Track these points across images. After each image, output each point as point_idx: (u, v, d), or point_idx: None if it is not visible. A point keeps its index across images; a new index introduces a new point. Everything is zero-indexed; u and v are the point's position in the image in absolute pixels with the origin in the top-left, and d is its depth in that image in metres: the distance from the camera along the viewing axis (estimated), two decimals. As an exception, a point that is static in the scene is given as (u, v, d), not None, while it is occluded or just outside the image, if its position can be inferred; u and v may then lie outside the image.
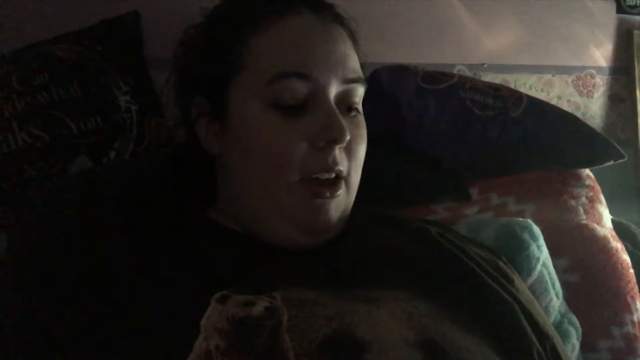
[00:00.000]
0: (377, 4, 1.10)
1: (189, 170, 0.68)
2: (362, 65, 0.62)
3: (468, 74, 1.14)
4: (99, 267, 0.51)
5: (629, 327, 0.76)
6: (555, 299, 0.73)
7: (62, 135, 0.77)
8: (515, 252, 0.71)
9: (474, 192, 0.89)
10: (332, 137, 0.54)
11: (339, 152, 0.56)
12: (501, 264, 0.64)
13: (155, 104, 0.88)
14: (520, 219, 0.77)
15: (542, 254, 0.73)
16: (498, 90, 0.92)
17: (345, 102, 0.58)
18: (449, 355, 0.46)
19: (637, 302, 0.78)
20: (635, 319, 0.77)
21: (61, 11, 0.92)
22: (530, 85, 1.22)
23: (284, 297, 0.44)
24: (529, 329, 0.54)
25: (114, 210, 0.62)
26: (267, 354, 0.37)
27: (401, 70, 0.93)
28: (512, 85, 1.18)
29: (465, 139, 0.90)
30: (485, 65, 1.18)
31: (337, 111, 0.55)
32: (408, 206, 0.85)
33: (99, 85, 0.81)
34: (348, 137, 0.55)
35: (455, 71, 1.12)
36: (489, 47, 1.19)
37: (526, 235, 0.73)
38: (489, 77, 1.16)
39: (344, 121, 0.55)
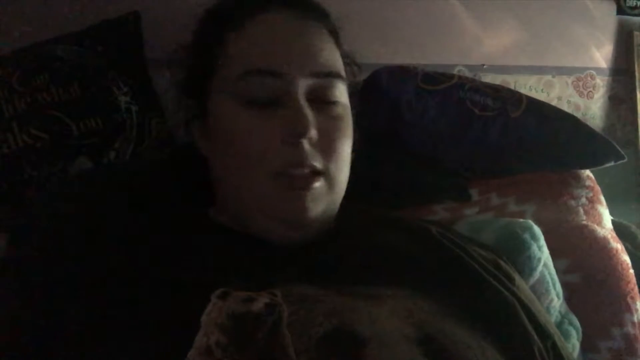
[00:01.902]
0: (376, 5, 1.10)
1: (188, 171, 0.68)
2: (352, 62, 0.62)
3: (468, 74, 1.14)
4: (100, 266, 0.51)
5: (629, 328, 0.76)
6: (556, 300, 0.73)
7: (62, 136, 0.77)
8: (516, 252, 0.71)
9: (474, 192, 0.89)
10: (295, 131, 0.54)
11: (310, 147, 0.55)
12: (502, 262, 0.64)
13: (155, 105, 0.88)
14: (521, 219, 0.77)
15: (543, 254, 0.73)
16: (498, 91, 0.93)
17: (320, 96, 0.58)
18: (449, 352, 0.46)
19: (637, 303, 0.78)
20: (635, 319, 0.77)
21: (61, 11, 0.92)
22: (530, 86, 1.22)
23: (284, 293, 0.45)
24: (530, 327, 0.54)
25: (114, 210, 0.62)
26: (267, 350, 0.37)
27: (401, 71, 0.93)
28: (512, 86, 1.18)
29: (465, 140, 0.90)
30: (485, 66, 1.18)
31: (302, 105, 0.55)
32: (408, 206, 0.85)
33: (99, 86, 0.81)
34: (312, 131, 0.54)
35: (455, 72, 1.12)
36: (489, 48, 1.19)
37: (527, 236, 0.72)
38: (488, 78, 1.16)
39: (310, 115, 0.54)
